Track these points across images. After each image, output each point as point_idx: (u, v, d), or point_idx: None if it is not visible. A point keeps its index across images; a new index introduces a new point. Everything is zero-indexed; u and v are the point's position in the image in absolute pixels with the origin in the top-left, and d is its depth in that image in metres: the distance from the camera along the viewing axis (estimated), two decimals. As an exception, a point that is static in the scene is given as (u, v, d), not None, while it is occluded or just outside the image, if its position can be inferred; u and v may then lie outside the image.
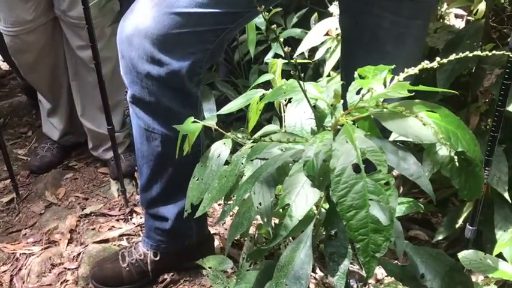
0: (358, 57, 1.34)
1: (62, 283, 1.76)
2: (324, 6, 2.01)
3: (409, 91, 0.74)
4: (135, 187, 2.22)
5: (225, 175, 0.98)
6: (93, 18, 1.72)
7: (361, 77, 0.81)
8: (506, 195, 1.41)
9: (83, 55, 2.12)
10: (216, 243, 1.78)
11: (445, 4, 1.87)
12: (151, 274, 1.68)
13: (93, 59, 1.79)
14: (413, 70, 0.73)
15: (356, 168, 0.67)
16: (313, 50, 1.97)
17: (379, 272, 1.61)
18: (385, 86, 0.79)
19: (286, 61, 0.79)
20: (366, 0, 1.25)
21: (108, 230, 1.99)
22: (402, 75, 0.74)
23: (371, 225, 0.66)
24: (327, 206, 0.84)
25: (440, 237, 1.59)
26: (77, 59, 2.17)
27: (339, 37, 1.76)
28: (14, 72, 2.95)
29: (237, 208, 0.92)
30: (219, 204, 2.04)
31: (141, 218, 2.02)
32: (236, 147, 1.06)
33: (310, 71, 2.10)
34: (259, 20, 2.11)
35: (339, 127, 0.76)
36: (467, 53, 0.72)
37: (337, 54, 1.81)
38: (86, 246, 1.89)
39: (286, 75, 1.47)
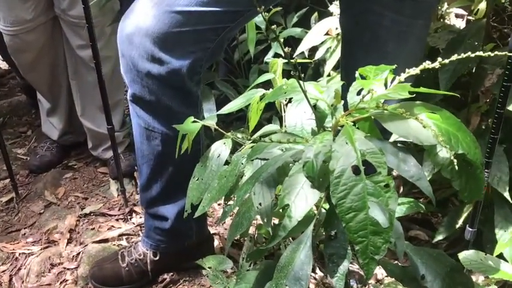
0: (359, 57, 1.34)
1: (61, 283, 1.75)
2: (324, 6, 2.01)
3: (410, 92, 0.74)
4: (134, 187, 2.22)
5: (225, 175, 0.98)
6: (93, 17, 1.72)
7: (362, 77, 0.81)
8: (506, 195, 1.41)
9: (82, 54, 2.12)
10: (216, 243, 1.78)
11: (446, 4, 1.87)
12: (151, 274, 1.68)
13: (93, 59, 1.78)
14: (414, 70, 0.72)
15: (356, 169, 0.66)
16: (313, 50, 1.97)
17: (379, 272, 1.60)
18: (386, 86, 0.78)
19: (287, 61, 0.79)
20: None
21: (108, 229, 1.99)
22: (403, 76, 0.74)
23: (370, 228, 0.66)
24: (327, 206, 0.84)
25: (440, 238, 1.59)
26: (77, 59, 2.17)
27: (339, 37, 1.76)
28: (13, 72, 2.95)
29: (237, 208, 0.91)
30: (219, 204, 2.03)
31: (140, 217, 2.02)
32: (236, 147, 1.06)
33: (311, 70, 2.10)
34: (260, 19, 2.10)
35: (339, 128, 0.76)
36: (469, 53, 0.71)
37: (337, 54, 1.81)
38: (86, 246, 1.89)
39: (286, 74, 1.46)
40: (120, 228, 1.99)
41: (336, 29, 1.84)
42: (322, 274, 1.58)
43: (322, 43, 1.88)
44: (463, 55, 0.71)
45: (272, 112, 2.05)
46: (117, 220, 2.05)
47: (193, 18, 1.22)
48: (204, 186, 1.05)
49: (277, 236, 0.78)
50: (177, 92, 1.33)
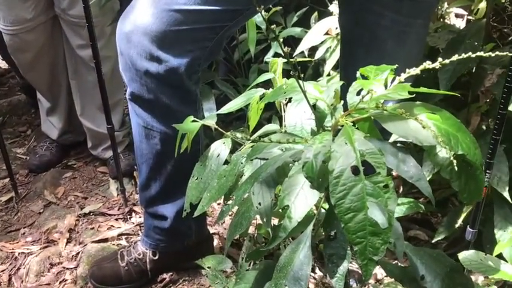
0: (358, 57, 1.34)
1: (60, 282, 1.75)
2: (324, 5, 2.01)
3: (410, 92, 0.73)
4: (134, 186, 2.21)
5: (225, 175, 0.98)
6: (93, 17, 1.72)
7: (363, 77, 0.81)
8: (506, 195, 1.41)
9: (82, 54, 2.12)
10: (216, 242, 1.78)
11: (446, 3, 1.87)
12: (150, 273, 1.68)
13: (93, 58, 1.78)
14: (414, 70, 0.72)
15: (355, 170, 0.66)
16: (313, 49, 1.97)
17: (379, 272, 1.60)
18: (386, 86, 0.78)
19: (287, 60, 0.78)
20: None
21: (107, 229, 1.99)
22: (403, 76, 0.74)
23: (369, 228, 0.65)
24: (326, 206, 0.84)
25: (440, 238, 1.59)
26: (77, 58, 2.17)
27: (339, 36, 1.76)
28: (13, 71, 2.94)
29: (236, 208, 0.91)
30: (219, 204, 2.03)
31: (140, 217, 2.02)
32: (236, 146, 1.06)
33: (310, 70, 2.09)
34: (260, 19, 2.10)
35: (338, 128, 0.75)
36: (470, 53, 0.71)
37: (337, 54, 1.81)
38: (85, 245, 1.89)
39: (286, 74, 1.46)
40: (119, 227, 1.99)
41: (336, 28, 1.84)
42: (321, 274, 1.58)
43: (322, 43, 1.88)
44: (463, 55, 0.71)
45: (272, 112, 2.04)
46: (116, 220, 2.05)
47: (191, 16, 1.22)
48: (203, 185, 1.05)
49: (278, 237, 0.78)
50: (175, 91, 1.33)
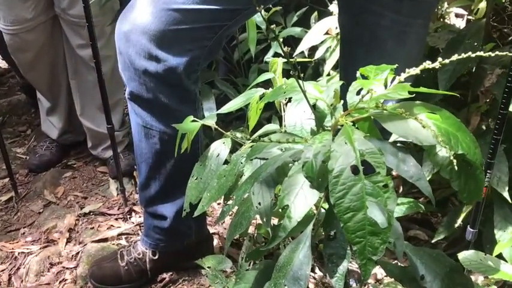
0: (358, 57, 1.34)
1: (60, 282, 1.75)
2: (324, 5, 2.01)
3: (410, 92, 0.73)
4: (134, 186, 2.21)
5: (224, 174, 0.98)
6: (94, 16, 1.72)
7: (363, 77, 0.81)
8: (506, 195, 1.41)
9: (82, 54, 2.12)
10: (215, 242, 1.78)
11: (446, 3, 1.87)
12: (150, 273, 1.68)
13: (93, 58, 1.78)
14: (414, 70, 0.72)
15: (354, 169, 0.66)
16: (313, 49, 1.97)
17: (379, 272, 1.60)
18: (386, 86, 0.78)
19: (286, 60, 0.78)
20: None
21: (107, 229, 1.99)
22: (403, 76, 0.74)
23: (368, 228, 0.65)
24: (326, 206, 0.84)
25: (440, 237, 1.59)
26: (77, 58, 2.17)
27: (339, 36, 1.76)
28: (13, 71, 2.94)
29: (236, 208, 0.91)
30: (218, 204, 2.03)
31: (140, 217, 2.02)
32: (235, 146, 1.06)
33: (310, 70, 2.09)
34: (260, 19, 2.10)
35: (338, 127, 0.75)
36: (469, 53, 0.71)
37: (337, 54, 1.81)
38: (85, 245, 1.89)
39: (286, 74, 1.46)
40: (119, 227, 1.99)
41: (336, 28, 1.84)
42: (321, 274, 1.58)
43: (321, 42, 1.88)
44: (463, 55, 0.71)
45: (272, 112, 2.04)
46: (116, 219, 2.05)
47: (190, 16, 1.22)
48: (203, 185, 1.05)
49: (277, 236, 0.78)
50: (174, 90, 1.33)
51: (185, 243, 1.65)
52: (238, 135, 1.07)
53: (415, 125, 0.70)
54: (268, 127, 1.10)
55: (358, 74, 0.82)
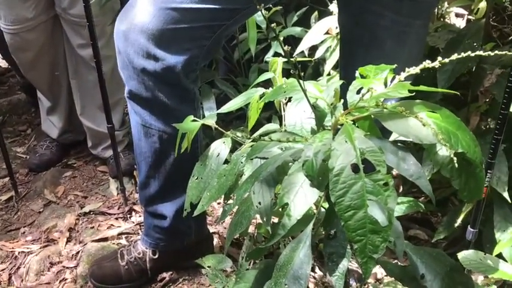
0: (358, 56, 1.34)
1: (60, 281, 1.75)
2: (324, 5, 2.01)
3: (410, 91, 0.74)
4: (134, 185, 2.21)
5: (225, 174, 0.98)
6: (94, 16, 1.72)
7: (362, 77, 0.81)
8: (506, 195, 1.41)
9: (83, 53, 2.12)
10: (215, 242, 1.78)
11: (446, 3, 1.87)
12: (150, 272, 1.68)
13: (93, 58, 1.78)
14: (414, 70, 0.72)
15: (355, 168, 0.66)
16: (313, 49, 1.97)
17: (379, 271, 1.60)
18: (385, 85, 0.78)
19: (287, 60, 0.79)
20: None
21: (107, 228, 1.99)
22: (403, 75, 0.74)
23: (369, 226, 0.65)
24: (326, 205, 0.84)
25: (440, 237, 1.59)
26: (77, 58, 2.17)
27: (339, 36, 1.76)
28: (13, 70, 2.94)
29: (236, 207, 0.91)
30: (219, 203, 2.03)
31: (140, 216, 2.02)
32: (236, 146, 1.06)
33: (310, 69, 2.10)
34: (260, 18, 2.11)
35: (338, 127, 0.76)
36: (469, 52, 0.71)
37: (337, 53, 1.81)
38: (85, 244, 1.89)
39: (286, 73, 1.46)
40: (119, 227, 1.99)
41: (336, 28, 1.84)
42: (321, 273, 1.59)
43: (322, 42, 1.88)
44: (462, 54, 0.71)
45: (271, 111, 2.05)
46: (116, 219, 2.05)
47: (188, 15, 1.22)
48: (203, 185, 1.05)
49: (277, 234, 0.78)
50: (173, 89, 1.34)
51: (185, 243, 1.65)
52: (239, 134, 1.07)
53: (415, 123, 0.70)
54: (268, 126, 1.10)
55: (357, 74, 0.82)
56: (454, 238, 1.63)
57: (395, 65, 0.81)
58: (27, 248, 1.90)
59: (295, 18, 2.17)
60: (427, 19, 1.35)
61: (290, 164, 0.84)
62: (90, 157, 2.46)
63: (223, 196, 0.98)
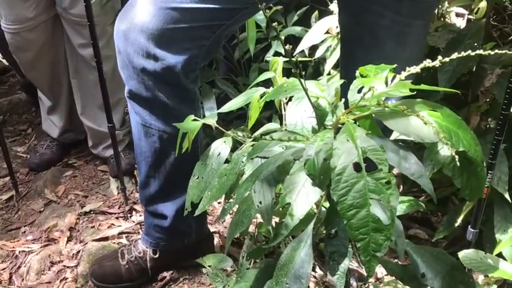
0: (358, 56, 1.34)
1: (61, 281, 1.75)
2: (324, 4, 2.01)
3: (411, 90, 0.74)
4: (134, 185, 2.22)
5: (225, 173, 0.98)
6: (95, 16, 1.72)
7: (362, 76, 0.81)
8: (506, 195, 1.41)
9: (84, 53, 2.12)
10: (216, 241, 1.78)
11: (446, 3, 1.87)
12: (151, 272, 1.68)
13: (94, 57, 1.78)
14: (415, 69, 0.72)
15: (357, 167, 0.66)
16: (313, 48, 1.97)
17: (379, 270, 1.61)
18: (386, 85, 0.78)
19: (287, 59, 0.79)
20: None
21: (108, 227, 1.99)
22: (404, 74, 0.74)
23: (372, 225, 0.66)
24: (327, 204, 0.84)
25: (440, 236, 1.59)
26: (78, 57, 2.17)
27: (339, 35, 1.76)
28: (13, 70, 2.94)
29: (237, 206, 0.91)
30: (219, 203, 2.03)
31: (140, 216, 2.02)
32: (236, 145, 1.06)
33: (311, 69, 2.10)
34: (260, 18, 2.11)
35: (340, 126, 0.76)
36: (469, 51, 0.71)
37: (337, 53, 1.81)
38: (86, 244, 1.89)
39: (286, 73, 1.46)
40: (120, 226, 1.99)
41: (336, 27, 1.84)
42: (321, 273, 1.59)
43: (322, 42, 1.88)
44: (463, 53, 0.71)
45: (272, 111, 2.05)
46: (117, 218, 2.05)
47: (188, 15, 1.22)
48: (204, 184, 1.05)
49: (280, 234, 0.78)
50: (173, 89, 1.34)
51: (186, 242, 1.65)
52: (239, 134, 1.07)
53: (417, 122, 0.70)
54: (268, 126, 1.10)
55: (357, 73, 0.82)
56: (454, 238, 1.63)
57: (396, 64, 0.81)
58: (28, 248, 1.90)
59: (295, 18, 2.17)
60: (428, 19, 1.35)
61: (291, 163, 0.84)
62: (90, 156, 2.46)
63: (224, 195, 0.98)
